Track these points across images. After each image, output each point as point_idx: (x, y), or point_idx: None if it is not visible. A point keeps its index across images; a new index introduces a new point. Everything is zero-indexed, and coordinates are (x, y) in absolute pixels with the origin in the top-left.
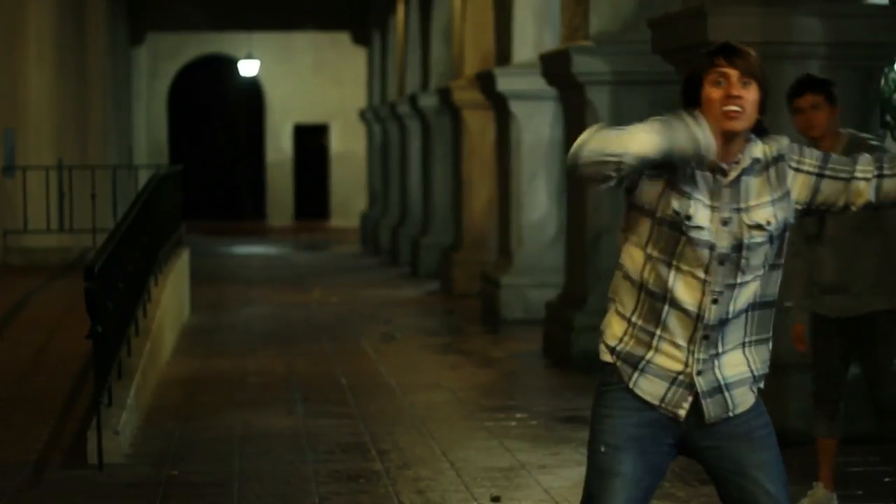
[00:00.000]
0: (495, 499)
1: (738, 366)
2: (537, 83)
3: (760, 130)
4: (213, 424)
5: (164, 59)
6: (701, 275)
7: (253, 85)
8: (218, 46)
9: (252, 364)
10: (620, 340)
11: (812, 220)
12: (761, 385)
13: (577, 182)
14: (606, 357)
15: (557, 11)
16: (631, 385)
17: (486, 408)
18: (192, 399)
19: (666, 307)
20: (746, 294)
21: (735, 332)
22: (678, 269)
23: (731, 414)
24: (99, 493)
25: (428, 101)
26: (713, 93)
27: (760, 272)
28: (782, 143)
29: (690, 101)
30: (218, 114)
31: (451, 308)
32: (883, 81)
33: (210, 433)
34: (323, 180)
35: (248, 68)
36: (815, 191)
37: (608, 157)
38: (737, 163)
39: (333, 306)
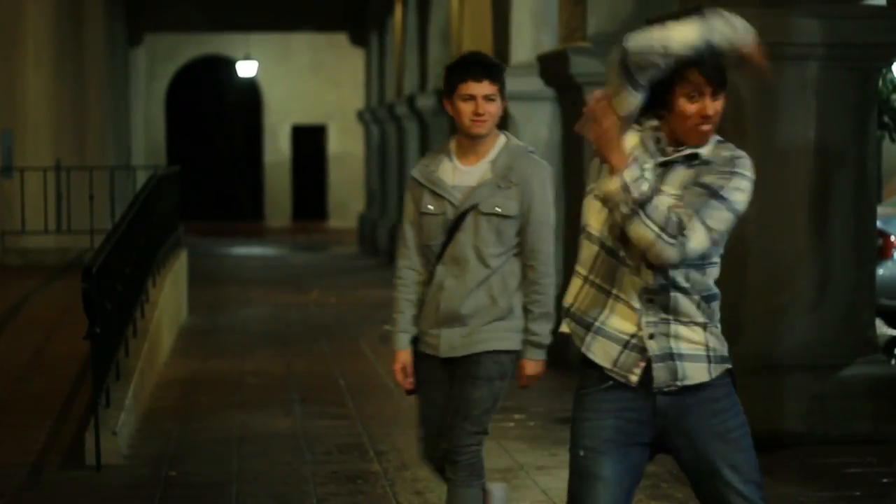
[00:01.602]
0: None
1: (696, 343)
2: (535, 84)
3: None
4: (211, 425)
5: (161, 59)
6: None
7: (251, 86)
8: (216, 47)
9: (250, 365)
10: (575, 299)
11: None
12: (725, 366)
13: (575, 182)
14: (564, 328)
15: (555, 12)
16: (584, 349)
17: None
18: (190, 400)
19: (622, 267)
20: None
21: (686, 308)
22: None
23: (678, 384)
24: (97, 494)
25: (426, 102)
26: (687, 107)
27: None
28: (723, 153)
29: (655, 102)
30: (216, 115)
31: None
32: (881, 82)
33: (208, 434)
34: (321, 181)
35: (245, 69)
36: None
37: (654, 44)
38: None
39: (331, 307)
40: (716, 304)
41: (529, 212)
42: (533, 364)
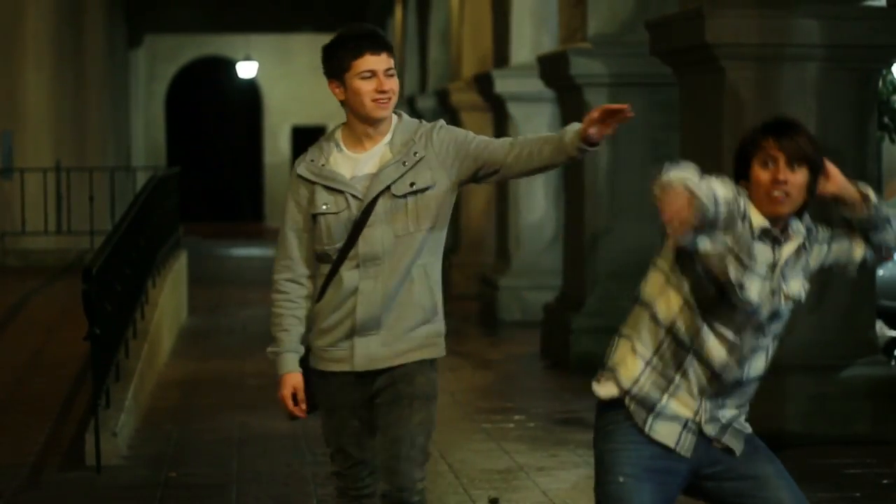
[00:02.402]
0: (493, 500)
1: (733, 409)
2: (535, 85)
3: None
4: (211, 426)
5: (161, 61)
6: (731, 336)
7: (251, 87)
8: (216, 48)
9: (250, 366)
10: (636, 382)
11: None
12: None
13: (575, 184)
14: (613, 392)
15: (555, 13)
16: (647, 430)
17: (483, 410)
18: (190, 401)
19: (690, 356)
20: (760, 361)
21: (740, 398)
22: (710, 325)
23: (746, 433)
24: (97, 495)
25: (426, 103)
26: (761, 175)
27: (773, 338)
28: (806, 220)
29: (738, 172)
30: (216, 116)
31: (449, 310)
32: (881, 84)
33: (208, 435)
34: None
35: (245, 70)
36: (826, 256)
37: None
38: (789, 238)
39: None
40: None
41: (465, 154)
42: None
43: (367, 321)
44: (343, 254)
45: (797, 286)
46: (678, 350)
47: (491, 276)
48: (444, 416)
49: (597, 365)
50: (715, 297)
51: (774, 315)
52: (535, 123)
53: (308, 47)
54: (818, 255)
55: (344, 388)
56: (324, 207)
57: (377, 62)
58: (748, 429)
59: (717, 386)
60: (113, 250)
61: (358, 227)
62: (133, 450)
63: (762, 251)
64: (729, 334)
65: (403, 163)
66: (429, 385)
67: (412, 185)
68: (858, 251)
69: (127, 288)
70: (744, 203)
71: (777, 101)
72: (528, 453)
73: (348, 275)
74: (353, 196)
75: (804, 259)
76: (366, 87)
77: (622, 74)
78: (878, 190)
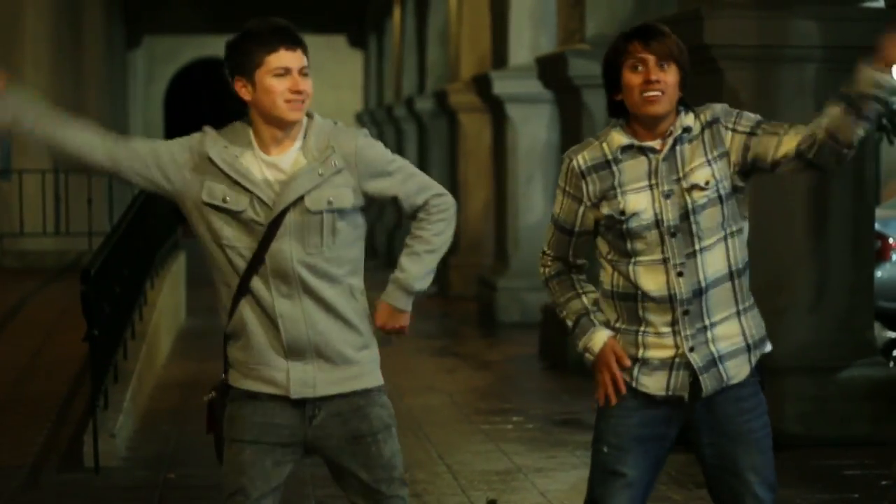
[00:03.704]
0: (492, 501)
1: (732, 337)
2: (533, 86)
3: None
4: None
5: (160, 62)
6: (658, 255)
7: None
8: (214, 49)
9: None
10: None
11: None
12: (764, 350)
13: None
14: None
15: (553, 14)
16: (634, 384)
17: (482, 411)
18: (189, 402)
19: (639, 302)
20: (714, 260)
21: (723, 302)
22: (637, 262)
23: (725, 384)
24: (95, 497)
25: (424, 105)
26: (632, 78)
27: (720, 234)
28: (716, 108)
29: (611, 86)
30: (214, 116)
31: (448, 311)
32: None
33: (206, 436)
34: None
35: None
36: (747, 148)
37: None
38: (669, 134)
39: None
40: (747, 275)
41: (388, 183)
42: (391, 312)
43: (296, 345)
44: (251, 268)
45: (702, 175)
46: (628, 304)
47: (489, 278)
48: (443, 417)
49: None
50: (620, 237)
51: (688, 212)
52: (534, 125)
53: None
54: (739, 145)
55: (274, 416)
56: (225, 201)
57: (292, 59)
58: (743, 372)
59: (677, 309)
60: (111, 252)
61: (266, 239)
62: (131, 451)
63: (631, 166)
64: (656, 255)
65: (319, 173)
66: (386, 414)
67: (329, 202)
68: (788, 161)
69: (125, 289)
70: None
71: (775, 101)
72: (526, 454)
73: (262, 292)
74: (261, 200)
75: (704, 147)
76: (279, 87)
77: None
78: (876, 193)
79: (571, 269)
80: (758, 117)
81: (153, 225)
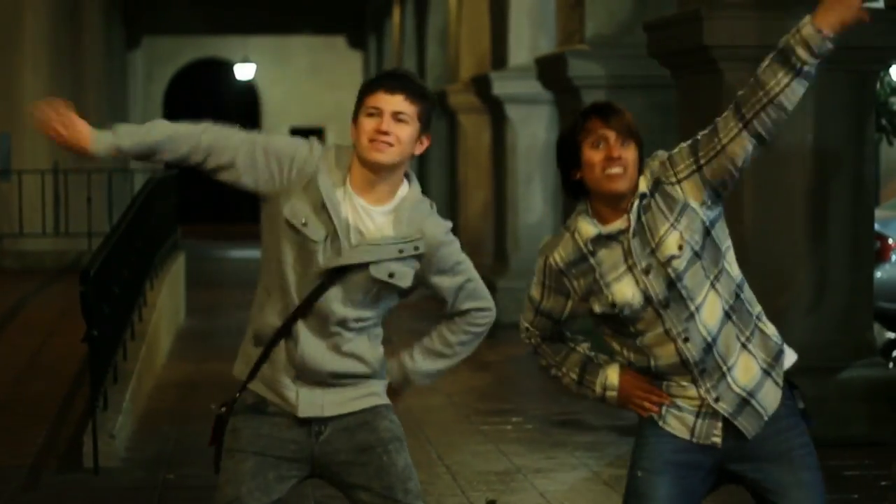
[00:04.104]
0: (491, 502)
1: (750, 369)
2: (533, 87)
3: None
4: (208, 428)
5: (159, 62)
6: (660, 328)
7: (249, 88)
8: (214, 50)
9: None
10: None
11: None
12: (784, 363)
13: None
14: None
15: (553, 15)
16: (660, 422)
17: (481, 412)
18: (188, 402)
19: (656, 371)
20: (711, 311)
21: (729, 344)
22: (643, 340)
23: (766, 418)
24: (95, 497)
25: None
26: (593, 155)
27: (707, 285)
28: (653, 167)
29: (568, 164)
30: (214, 117)
31: None
32: (878, 85)
33: (206, 437)
34: None
35: (243, 72)
36: (705, 181)
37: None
38: (631, 208)
39: None
40: (746, 295)
41: (448, 283)
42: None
43: (308, 377)
44: (304, 308)
45: (673, 240)
46: (646, 374)
47: (489, 278)
48: (442, 417)
49: None
50: (619, 325)
51: (673, 281)
52: (533, 125)
53: (306, 49)
54: (694, 186)
55: (281, 431)
56: (301, 222)
57: (387, 101)
58: (776, 397)
59: (693, 371)
60: (111, 252)
61: (324, 285)
62: (131, 451)
63: (606, 255)
64: (658, 329)
65: (400, 250)
66: (395, 427)
67: (391, 275)
68: (740, 146)
69: (125, 290)
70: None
71: None
72: (525, 455)
73: (297, 319)
74: (335, 240)
75: (663, 213)
76: (367, 125)
77: (620, 76)
78: (875, 193)
79: (559, 335)
80: (689, 144)
81: (153, 225)
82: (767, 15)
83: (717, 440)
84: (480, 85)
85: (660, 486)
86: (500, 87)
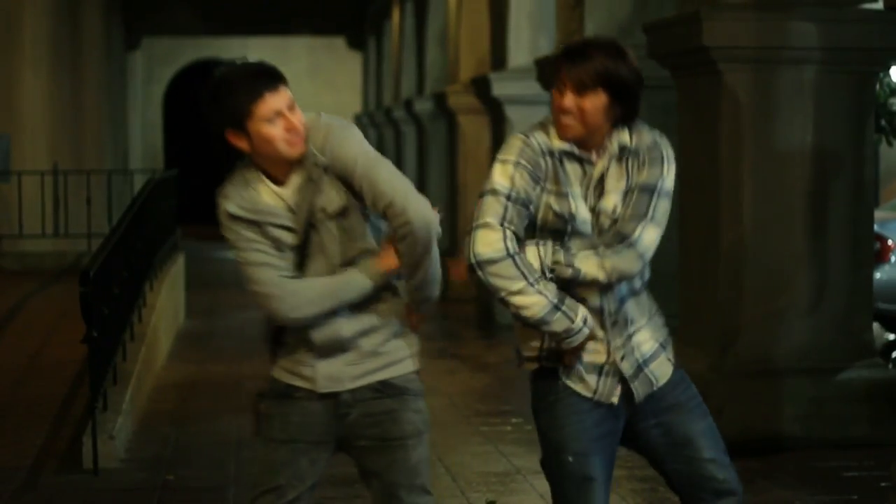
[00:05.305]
0: (491, 503)
1: (648, 341)
2: (533, 88)
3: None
4: (208, 429)
5: (159, 63)
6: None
7: None
8: (213, 51)
9: (247, 369)
10: (541, 349)
11: None
12: (670, 341)
13: None
14: (532, 366)
15: (552, 16)
16: (567, 380)
17: (481, 412)
18: (188, 404)
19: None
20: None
21: (637, 311)
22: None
23: (655, 388)
24: (94, 498)
25: (423, 106)
26: (556, 99)
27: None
28: (644, 137)
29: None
30: None
31: (447, 313)
32: (878, 86)
33: (206, 438)
34: None
35: None
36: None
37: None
38: (604, 150)
39: None
40: (646, 275)
41: (353, 172)
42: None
43: (325, 347)
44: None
45: (611, 201)
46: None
47: None
48: (442, 418)
49: None
50: (559, 239)
51: (602, 232)
52: None
53: (306, 50)
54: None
55: (310, 415)
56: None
57: (278, 100)
58: (667, 371)
59: (607, 318)
60: (110, 253)
61: (301, 261)
62: (130, 453)
63: (572, 170)
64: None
65: (310, 179)
66: (419, 420)
67: (324, 209)
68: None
69: (124, 291)
70: (539, 143)
71: (774, 103)
72: (525, 456)
73: None
74: (292, 224)
75: (626, 174)
76: (275, 132)
77: None
78: (875, 194)
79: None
80: (658, 177)
81: (152, 226)
82: (767, 16)
83: (616, 399)
84: (480, 86)
85: (595, 465)
86: (500, 88)
